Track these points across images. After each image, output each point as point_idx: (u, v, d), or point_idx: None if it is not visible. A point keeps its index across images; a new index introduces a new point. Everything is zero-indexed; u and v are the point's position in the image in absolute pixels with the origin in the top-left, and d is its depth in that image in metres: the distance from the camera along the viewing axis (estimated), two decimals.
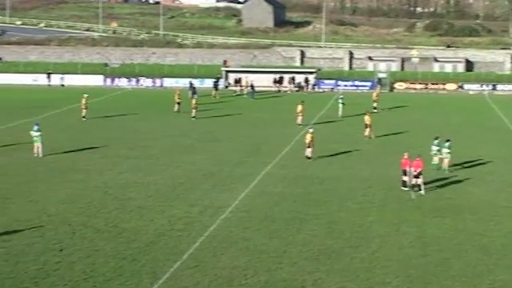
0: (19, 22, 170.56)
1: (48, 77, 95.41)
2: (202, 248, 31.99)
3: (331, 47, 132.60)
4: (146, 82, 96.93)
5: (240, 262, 30.36)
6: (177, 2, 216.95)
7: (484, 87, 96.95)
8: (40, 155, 49.91)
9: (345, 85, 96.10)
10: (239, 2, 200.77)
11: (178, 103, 71.99)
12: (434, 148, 48.27)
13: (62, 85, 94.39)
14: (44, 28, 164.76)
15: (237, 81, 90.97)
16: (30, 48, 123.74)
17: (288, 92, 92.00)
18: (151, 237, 33.43)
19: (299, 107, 65.04)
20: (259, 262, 30.35)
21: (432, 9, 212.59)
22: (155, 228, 34.69)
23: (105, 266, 29.65)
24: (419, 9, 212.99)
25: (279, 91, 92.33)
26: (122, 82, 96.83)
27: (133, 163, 48.83)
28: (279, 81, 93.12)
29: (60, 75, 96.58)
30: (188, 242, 32.73)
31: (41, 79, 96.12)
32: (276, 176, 45.84)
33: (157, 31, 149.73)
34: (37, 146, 50.32)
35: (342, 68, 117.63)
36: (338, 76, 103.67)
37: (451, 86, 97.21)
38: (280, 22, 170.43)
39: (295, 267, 29.94)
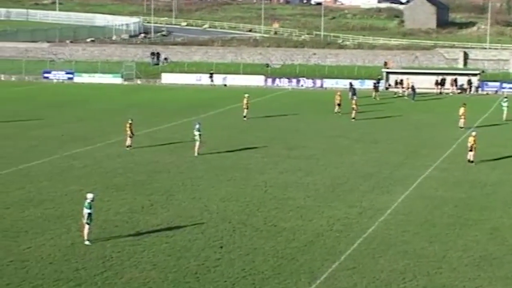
0: (184, 23, 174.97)
1: (211, 77, 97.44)
2: (360, 249, 31.88)
3: (496, 49, 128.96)
4: (306, 83, 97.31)
5: (398, 265, 30.07)
6: (338, 3, 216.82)
7: None
8: (195, 154, 51.00)
9: (510, 88, 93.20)
10: (401, 3, 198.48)
11: (339, 104, 71.87)
12: None
13: (225, 85, 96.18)
14: (208, 29, 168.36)
15: (398, 83, 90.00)
16: (194, 49, 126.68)
17: (450, 94, 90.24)
18: (309, 237, 33.60)
19: (462, 110, 63.73)
20: (418, 266, 29.96)
21: None
22: (314, 228, 34.83)
23: (264, 264, 30.03)
24: None
25: (441, 93, 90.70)
26: (283, 83, 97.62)
27: (293, 163, 49.20)
28: (441, 83, 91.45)
29: (223, 75, 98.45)
30: (347, 243, 32.70)
31: (204, 79, 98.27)
32: (436, 179, 45.09)
33: (318, 32, 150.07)
34: (196, 144, 51.43)
35: (507, 70, 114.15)
36: (503, 78, 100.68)
37: None
38: (443, 23, 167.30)
39: (455, 272, 29.37)
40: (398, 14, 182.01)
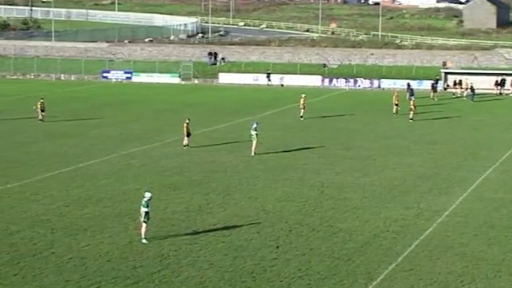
0: (241, 24, 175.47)
1: (268, 77, 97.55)
2: (417, 251, 31.66)
3: None
4: (363, 83, 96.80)
5: (456, 267, 29.79)
6: (396, 3, 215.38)
7: None
8: (252, 154, 51.09)
9: None
10: (461, 3, 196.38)
11: (396, 105, 71.37)
12: None
13: (282, 85, 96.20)
14: (265, 29, 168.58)
15: (457, 83, 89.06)
16: (251, 49, 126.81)
17: (510, 95, 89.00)
18: (366, 238, 33.47)
19: None
20: (476, 269, 29.64)
21: None
22: (370, 229, 34.69)
23: (320, 264, 29.99)
24: None
25: (501, 93, 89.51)
26: (340, 83, 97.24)
27: (349, 164, 49.03)
28: (501, 84, 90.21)
29: (280, 75, 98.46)
30: (403, 244, 32.49)
31: (261, 79, 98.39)
32: (495, 181, 44.53)
33: (375, 32, 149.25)
34: (253, 144, 51.49)
35: None
36: None
37: None
38: (504, 22, 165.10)
39: None
40: (457, 14, 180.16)
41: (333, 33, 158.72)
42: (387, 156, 51.62)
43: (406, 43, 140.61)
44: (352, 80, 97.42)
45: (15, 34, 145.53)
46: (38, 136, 58.56)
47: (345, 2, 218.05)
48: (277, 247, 32.07)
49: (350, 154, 52.22)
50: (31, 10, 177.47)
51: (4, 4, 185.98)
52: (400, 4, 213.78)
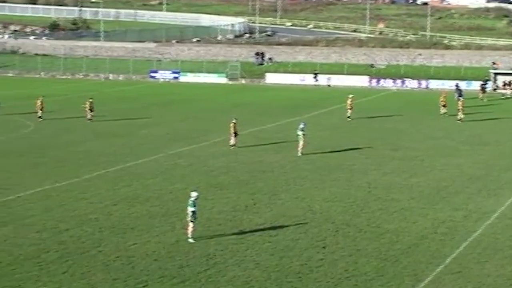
0: (289, 24, 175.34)
1: (315, 77, 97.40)
2: (465, 253, 31.32)
3: None
4: (411, 84, 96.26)
5: (505, 270, 29.40)
6: (445, 2, 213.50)
7: None
8: (298, 154, 50.97)
9: None
10: (511, 2, 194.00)
11: (444, 106, 70.73)
12: None
13: (329, 85, 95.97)
14: (313, 29, 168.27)
15: (506, 84, 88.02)
16: (298, 49, 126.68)
17: None
18: (413, 239, 33.20)
19: None
20: None
21: None
22: (418, 231, 34.40)
23: (367, 265, 29.82)
24: None
25: None
26: (387, 83, 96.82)
27: (397, 164, 48.71)
28: None
29: (327, 76, 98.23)
30: (451, 246, 32.18)
31: (308, 79, 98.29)
32: None
33: (424, 32, 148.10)
34: (299, 144, 51.38)
35: None
36: None
37: None
38: None
39: None
40: (507, 14, 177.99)
41: (380, 33, 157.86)
42: (435, 157, 51.18)
43: (454, 43, 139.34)
44: (399, 81, 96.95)
45: (65, 34, 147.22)
46: (87, 135, 59.13)
47: (393, 2, 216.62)
48: (324, 247, 31.95)
49: (398, 155, 51.88)
50: (81, 10, 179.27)
51: (54, 5, 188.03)
52: (449, 4, 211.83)
